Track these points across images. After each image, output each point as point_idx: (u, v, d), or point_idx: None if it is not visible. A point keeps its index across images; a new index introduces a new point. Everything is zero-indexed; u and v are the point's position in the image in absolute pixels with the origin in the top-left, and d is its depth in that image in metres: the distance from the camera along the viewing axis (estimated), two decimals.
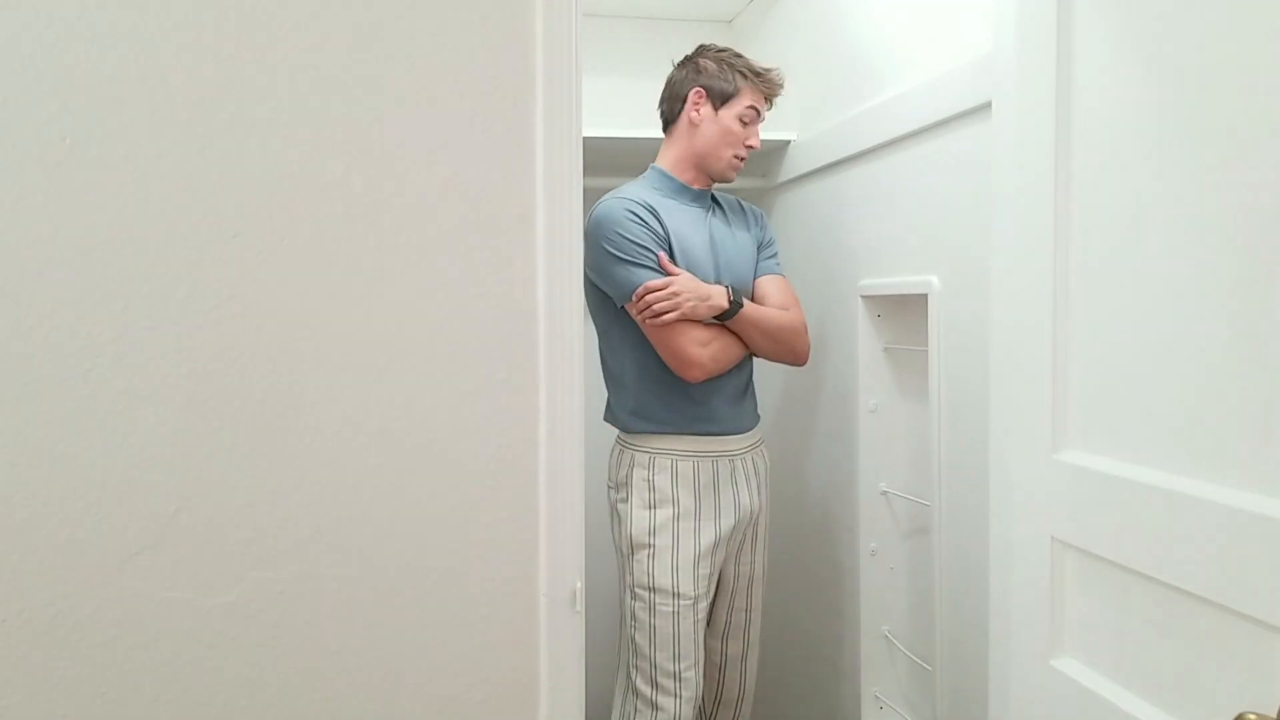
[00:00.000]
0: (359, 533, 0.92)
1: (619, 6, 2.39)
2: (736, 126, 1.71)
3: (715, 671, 1.83)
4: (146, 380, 0.86)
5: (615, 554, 1.76)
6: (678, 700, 1.64)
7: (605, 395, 1.79)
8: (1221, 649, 0.85)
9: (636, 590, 1.67)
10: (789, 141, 2.14)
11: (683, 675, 1.65)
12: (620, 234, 1.61)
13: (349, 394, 0.91)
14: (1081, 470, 1.03)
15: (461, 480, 0.94)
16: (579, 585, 0.98)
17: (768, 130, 1.93)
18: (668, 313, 1.59)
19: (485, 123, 0.92)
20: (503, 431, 0.95)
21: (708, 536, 1.68)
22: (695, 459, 1.69)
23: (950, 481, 1.54)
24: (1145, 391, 0.94)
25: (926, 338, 1.59)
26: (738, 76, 1.71)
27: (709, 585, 1.72)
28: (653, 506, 1.67)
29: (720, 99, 1.71)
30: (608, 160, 2.02)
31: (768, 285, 1.77)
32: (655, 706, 1.65)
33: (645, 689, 1.66)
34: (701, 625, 1.70)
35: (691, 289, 1.61)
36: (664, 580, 1.65)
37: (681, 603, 1.65)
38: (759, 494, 1.78)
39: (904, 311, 1.75)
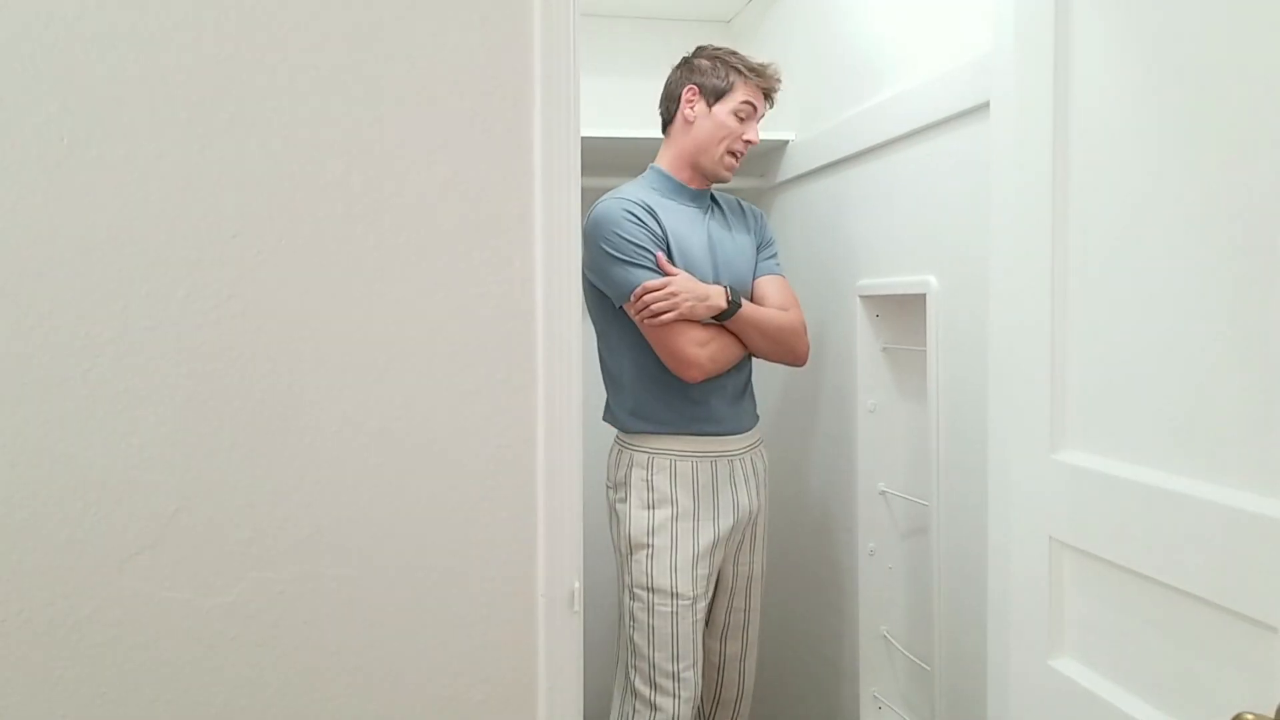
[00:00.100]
0: (359, 533, 0.92)
1: (618, 6, 2.39)
2: (731, 122, 1.70)
3: (714, 672, 1.83)
4: (146, 380, 0.86)
5: (614, 554, 1.76)
6: (676, 700, 1.64)
7: (604, 395, 1.78)
8: (1220, 649, 0.86)
9: (635, 590, 1.67)
10: (788, 141, 2.14)
11: (681, 675, 1.65)
12: (618, 234, 1.61)
13: (349, 394, 0.91)
14: (1080, 470, 1.03)
15: (461, 480, 0.94)
16: (577, 585, 0.98)
17: (766, 130, 1.93)
18: (666, 313, 1.59)
19: (485, 123, 0.92)
20: (502, 431, 0.95)
21: (706, 537, 1.68)
22: (694, 459, 1.69)
23: (949, 481, 1.54)
24: (1144, 391, 0.94)
25: (925, 338, 1.59)
26: (731, 72, 1.71)
27: (708, 585, 1.72)
28: (651, 506, 1.67)
29: (714, 95, 1.71)
30: (607, 160, 2.02)
31: (767, 285, 1.77)
32: (654, 707, 1.65)
33: (644, 689, 1.66)
34: (700, 625, 1.70)
35: (689, 289, 1.61)
36: (663, 580, 1.65)
37: (680, 603, 1.65)
38: (758, 494, 1.78)
39: (903, 311, 1.75)
